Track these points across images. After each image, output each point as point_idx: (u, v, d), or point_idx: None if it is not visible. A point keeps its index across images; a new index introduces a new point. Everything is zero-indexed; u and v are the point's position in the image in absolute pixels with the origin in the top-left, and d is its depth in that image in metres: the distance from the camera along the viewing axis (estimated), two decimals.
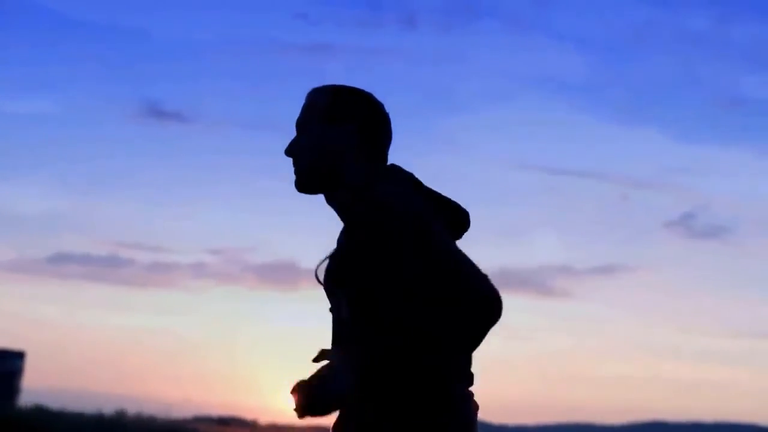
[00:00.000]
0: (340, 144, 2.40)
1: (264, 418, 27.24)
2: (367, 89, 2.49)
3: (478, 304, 2.18)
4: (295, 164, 2.46)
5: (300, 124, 2.48)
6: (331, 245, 2.42)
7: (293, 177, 2.46)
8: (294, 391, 2.28)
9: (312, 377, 2.26)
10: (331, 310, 2.44)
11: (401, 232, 2.24)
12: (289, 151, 2.46)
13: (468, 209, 2.42)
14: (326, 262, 2.43)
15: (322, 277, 2.43)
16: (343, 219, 2.42)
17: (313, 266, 2.41)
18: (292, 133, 2.45)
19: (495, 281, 2.29)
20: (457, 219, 2.38)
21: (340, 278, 2.32)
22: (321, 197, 2.49)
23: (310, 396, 2.26)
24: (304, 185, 2.45)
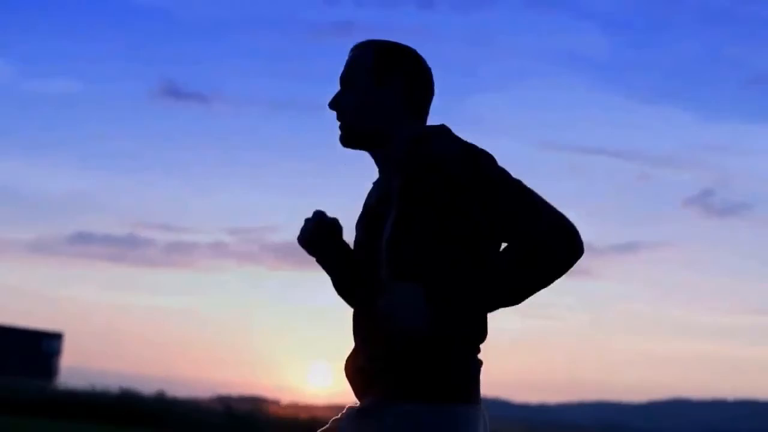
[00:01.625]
0: (388, 103, 2.43)
1: (285, 398, 27.28)
2: None
3: (567, 237, 2.26)
4: (340, 119, 2.47)
5: (344, 79, 2.49)
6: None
7: (338, 131, 2.47)
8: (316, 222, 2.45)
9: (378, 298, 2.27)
10: (361, 243, 2.46)
11: (495, 168, 2.31)
12: (334, 105, 2.48)
13: None
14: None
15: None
16: (395, 171, 2.42)
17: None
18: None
19: None
20: None
21: (402, 239, 2.31)
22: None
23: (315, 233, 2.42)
24: (351, 141, 2.47)
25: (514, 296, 2.27)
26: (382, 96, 2.43)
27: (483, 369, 2.36)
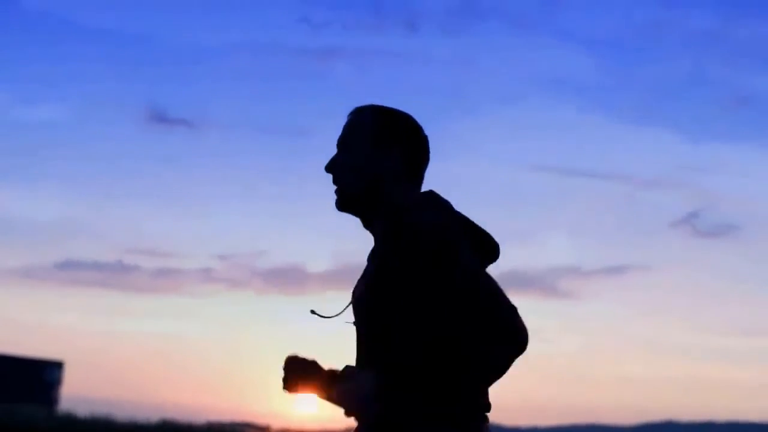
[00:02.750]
0: (384, 168, 2.42)
1: (276, 424, 27.10)
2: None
3: (508, 336, 2.20)
4: (336, 182, 2.46)
5: (342, 143, 2.48)
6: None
7: (334, 195, 2.47)
8: (290, 365, 2.37)
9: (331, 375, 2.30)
10: (355, 324, 2.43)
11: (434, 260, 2.24)
12: (330, 168, 2.47)
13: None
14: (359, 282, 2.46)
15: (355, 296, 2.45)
16: (377, 242, 2.42)
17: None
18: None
19: (503, 282, 2.32)
20: (488, 248, 2.39)
21: (369, 300, 2.32)
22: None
23: (300, 375, 2.34)
24: (347, 205, 2.45)
25: (459, 386, 2.22)
26: (379, 161, 2.42)
27: None
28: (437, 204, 2.38)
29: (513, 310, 2.25)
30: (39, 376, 37.15)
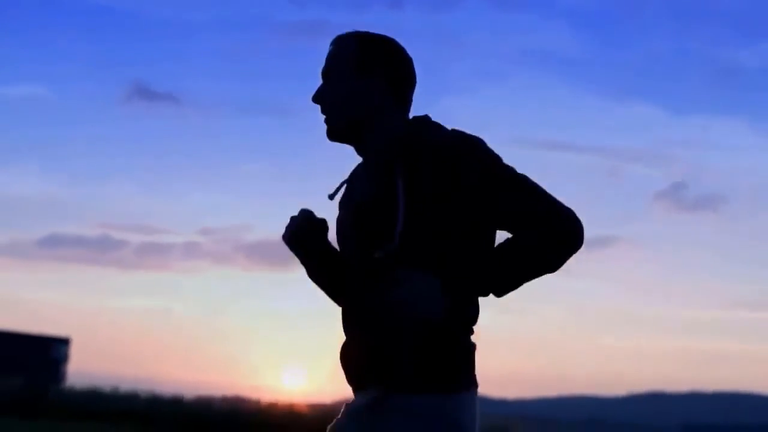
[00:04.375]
0: (371, 95, 2.39)
1: (264, 397, 26.97)
2: None
3: (565, 226, 2.26)
4: (324, 113, 2.43)
5: (327, 73, 2.45)
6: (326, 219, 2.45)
7: (323, 125, 2.44)
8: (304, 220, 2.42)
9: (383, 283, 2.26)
10: (355, 246, 2.41)
11: (491, 153, 2.29)
12: (317, 99, 2.44)
13: None
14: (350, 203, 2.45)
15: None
16: (380, 162, 2.39)
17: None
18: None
19: None
20: None
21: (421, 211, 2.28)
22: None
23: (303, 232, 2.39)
24: (337, 134, 2.43)
25: (520, 280, 2.28)
26: (365, 87, 2.39)
27: None
28: (440, 125, 2.39)
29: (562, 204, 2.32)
30: (46, 353, 37.62)
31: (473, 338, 2.36)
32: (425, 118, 2.42)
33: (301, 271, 2.56)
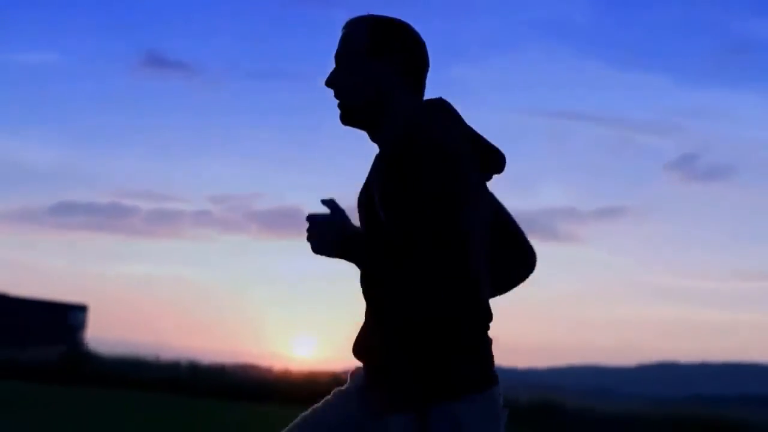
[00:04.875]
0: (384, 78, 2.38)
1: (276, 365, 27.05)
2: None
3: (525, 256, 2.41)
4: (338, 97, 2.42)
5: (339, 56, 2.43)
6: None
7: (337, 110, 2.43)
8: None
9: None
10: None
11: (439, 175, 2.21)
12: (330, 83, 2.43)
13: None
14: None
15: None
16: (385, 152, 2.38)
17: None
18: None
19: None
20: (493, 160, 2.39)
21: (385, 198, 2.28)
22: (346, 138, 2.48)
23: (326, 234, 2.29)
24: (350, 119, 2.42)
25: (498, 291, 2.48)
26: (377, 71, 2.39)
27: None
28: (446, 115, 2.35)
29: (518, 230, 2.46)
30: (64, 320, 37.87)
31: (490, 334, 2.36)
32: (437, 102, 2.40)
33: None
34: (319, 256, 2.33)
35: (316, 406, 2.47)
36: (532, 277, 2.50)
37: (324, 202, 2.35)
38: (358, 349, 2.42)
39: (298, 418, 2.47)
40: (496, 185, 2.48)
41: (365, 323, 2.41)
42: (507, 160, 2.42)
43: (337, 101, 2.44)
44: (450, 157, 2.23)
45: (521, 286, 2.54)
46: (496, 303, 2.41)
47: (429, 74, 2.47)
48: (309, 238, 2.32)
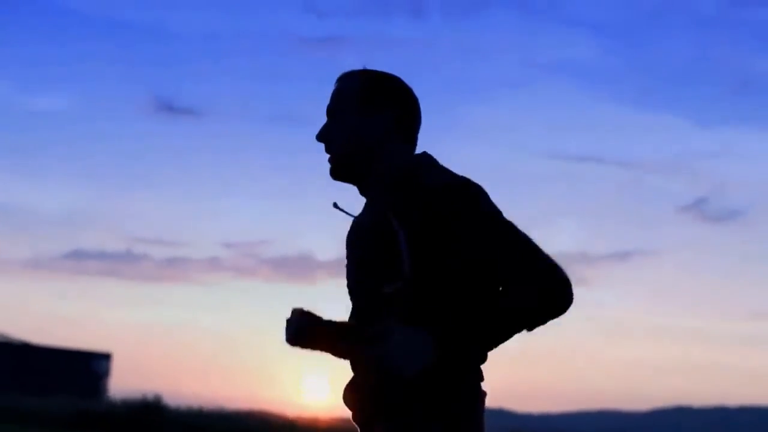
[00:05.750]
0: (376, 133, 2.35)
1: (288, 412, 26.96)
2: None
3: (558, 286, 2.20)
4: (329, 151, 2.39)
5: (332, 110, 2.40)
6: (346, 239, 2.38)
7: (327, 164, 2.41)
8: (296, 316, 2.22)
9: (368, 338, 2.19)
10: (356, 283, 2.36)
11: (486, 203, 2.22)
12: (321, 137, 2.40)
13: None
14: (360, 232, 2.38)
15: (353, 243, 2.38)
16: (383, 201, 2.32)
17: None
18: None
19: None
20: None
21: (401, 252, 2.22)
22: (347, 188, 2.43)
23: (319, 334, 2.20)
24: (340, 174, 2.40)
25: (506, 336, 2.23)
26: (370, 125, 2.35)
27: (486, 380, 2.31)
28: (438, 165, 2.36)
29: (556, 263, 2.24)
30: (87, 368, 38.13)
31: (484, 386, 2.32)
32: (424, 157, 2.38)
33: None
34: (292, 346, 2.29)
35: None
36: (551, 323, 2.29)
37: (335, 206, 2.41)
38: (345, 400, 2.40)
39: None
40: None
41: (353, 373, 2.38)
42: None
43: (328, 155, 2.41)
44: (484, 198, 2.27)
45: (536, 333, 2.30)
46: (508, 348, 2.32)
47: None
48: (287, 332, 2.28)
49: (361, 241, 2.36)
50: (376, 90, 2.39)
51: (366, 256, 2.32)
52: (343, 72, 2.45)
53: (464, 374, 2.26)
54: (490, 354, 2.30)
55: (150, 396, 24.31)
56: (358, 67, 2.45)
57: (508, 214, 2.29)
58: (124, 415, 23.54)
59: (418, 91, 2.46)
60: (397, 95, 2.40)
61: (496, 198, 2.32)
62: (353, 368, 2.35)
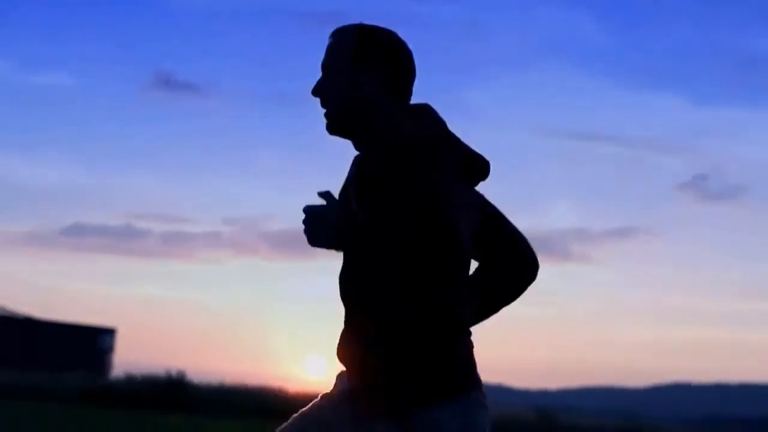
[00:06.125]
0: (370, 86, 2.37)
1: (289, 387, 27.24)
2: None
3: (526, 264, 2.39)
4: (324, 106, 2.41)
5: (326, 65, 2.42)
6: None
7: (323, 119, 2.42)
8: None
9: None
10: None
11: (420, 174, 2.24)
12: (316, 92, 2.42)
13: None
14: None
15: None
16: (371, 157, 2.38)
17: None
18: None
19: None
20: (477, 166, 2.36)
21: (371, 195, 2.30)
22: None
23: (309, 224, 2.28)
24: (336, 129, 2.41)
25: (492, 314, 2.44)
26: (363, 79, 2.37)
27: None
28: (429, 118, 2.38)
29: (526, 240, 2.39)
30: (92, 343, 38.21)
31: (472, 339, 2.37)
32: (422, 108, 2.41)
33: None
34: (317, 249, 2.36)
35: (304, 409, 2.44)
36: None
37: (320, 194, 2.37)
38: (340, 353, 2.42)
39: (289, 420, 2.44)
40: (509, 205, 2.48)
41: (345, 327, 2.42)
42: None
43: (324, 110, 2.43)
44: (432, 162, 2.28)
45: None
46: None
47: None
48: (305, 231, 2.33)
49: (343, 196, 2.46)
50: (368, 45, 2.40)
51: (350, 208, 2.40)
52: (337, 27, 2.47)
53: (452, 336, 2.32)
54: (488, 331, 2.38)
55: (173, 372, 24.69)
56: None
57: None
58: (140, 391, 23.82)
59: (418, 70, 2.47)
60: (388, 48, 2.41)
61: (495, 176, 2.37)
62: (346, 317, 2.40)
